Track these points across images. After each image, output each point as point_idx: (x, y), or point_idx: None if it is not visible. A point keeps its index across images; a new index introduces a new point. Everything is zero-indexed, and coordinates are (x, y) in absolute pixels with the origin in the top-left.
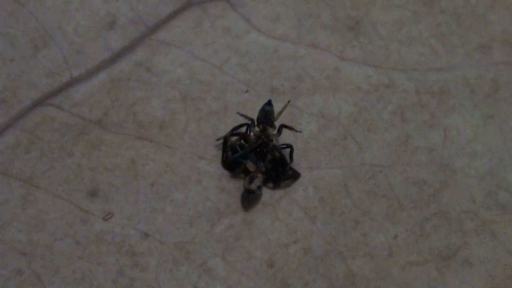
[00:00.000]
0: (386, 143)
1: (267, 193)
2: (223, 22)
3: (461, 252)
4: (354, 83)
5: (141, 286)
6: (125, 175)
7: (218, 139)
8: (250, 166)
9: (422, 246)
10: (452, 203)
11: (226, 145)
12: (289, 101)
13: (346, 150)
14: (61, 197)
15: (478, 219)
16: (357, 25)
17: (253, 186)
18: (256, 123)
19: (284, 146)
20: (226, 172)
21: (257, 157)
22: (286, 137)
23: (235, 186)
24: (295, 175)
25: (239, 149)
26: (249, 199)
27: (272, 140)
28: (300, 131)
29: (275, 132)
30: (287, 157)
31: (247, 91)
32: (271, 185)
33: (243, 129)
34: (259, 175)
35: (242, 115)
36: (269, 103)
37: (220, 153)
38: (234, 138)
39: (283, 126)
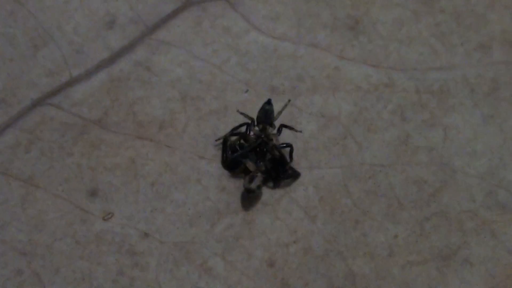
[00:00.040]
0: (386, 143)
1: (267, 193)
2: (222, 22)
3: (461, 251)
4: (354, 83)
5: (141, 286)
6: (125, 175)
7: (217, 139)
8: (250, 165)
9: (422, 246)
10: (452, 202)
11: (225, 145)
12: (289, 100)
13: (346, 149)
14: (61, 197)
15: (478, 218)
16: (357, 25)
17: (253, 185)
18: (256, 123)
19: (284, 145)
20: (226, 172)
21: (257, 156)
22: (286, 136)
23: (235, 186)
24: (295, 175)
25: (238, 149)
26: (249, 198)
27: (272, 140)
28: (301, 131)
29: (275, 131)
30: (287, 157)
31: (247, 91)
32: (271, 184)
33: (243, 129)
34: (259, 174)
35: (242, 113)
36: (268, 102)
37: (220, 152)
38: (233, 138)
39: (283, 126)
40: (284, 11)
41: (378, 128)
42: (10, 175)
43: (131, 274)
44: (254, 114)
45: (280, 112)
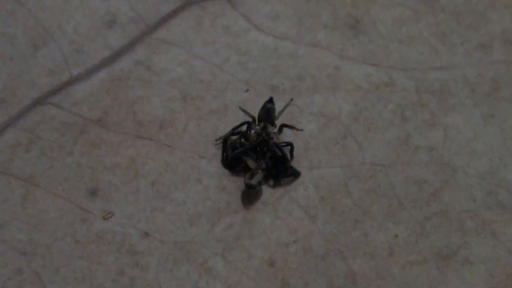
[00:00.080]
0: (386, 142)
1: (267, 192)
2: (223, 21)
3: (462, 251)
4: (354, 82)
5: (141, 286)
6: (125, 174)
7: (217, 139)
8: (251, 163)
9: (422, 246)
10: (452, 202)
11: (226, 144)
12: (291, 100)
13: (346, 149)
14: (61, 196)
15: (478, 218)
16: (357, 24)
17: (254, 181)
18: (257, 121)
19: (284, 144)
20: (226, 171)
21: (257, 154)
22: (286, 136)
23: (235, 185)
24: (295, 174)
25: (239, 147)
26: (249, 195)
27: (272, 138)
28: (302, 129)
29: (275, 130)
30: (288, 155)
31: (247, 90)
32: (271, 182)
33: (243, 128)
34: (260, 171)
35: (243, 110)
36: (270, 100)
37: (220, 152)
38: (234, 137)
39: (283, 125)
40: (285, 10)
41: (378, 128)
42: (10, 175)
43: (131, 274)
44: (254, 114)
45: (281, 111)
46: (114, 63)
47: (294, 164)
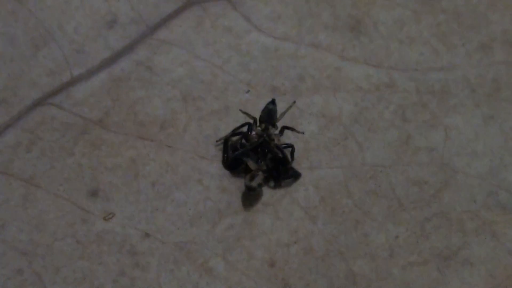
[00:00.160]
0: (387, 143)
1: (267, 193)
2: (223, 22)
3: (462, 252)
4: (354, 83)
5: (142, 286)
6: (125, 175)
7: (218, 141)
8: (251, 164)
9: (422, 246)
10: (452, 203)
11: (227, 145)
12: (294, 102)
13: (346, 150)
14: (61, 197)
15: (479, 219)
16: (358, 25)
17: (254, 183)
18: (258, 122)
19: (285, 145)
20: (227, 172)
21: (258, 156)
22: (287, 137)
23: (236, 186)
24: (296, 175)
25: (240, 148)
26: (250, 196)
27: (273, 140)
28: (303, 132)
29: (277, 132)
30: (289, 156)
31: (248, 91)
32: (272, 184)
33: (244, 129)
34: (260, 173)
35: (244, 112)
36: (273, 102)
37: (221, 153)
38: (235, 138)
39: (285, 127)
40: (285, 11)
41: (379, 129)
42: (11, 175)
43: (132, 274)
44: (255, 114)
45: (283, 113)
46: (115, 64)
47: (295, 165)
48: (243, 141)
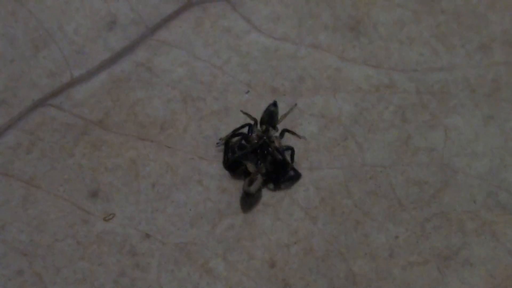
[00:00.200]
0: (387, 143)
1: (268, 194)
2: (223, 22)
3: (462, 252)
4: (354, 83)
5: (142, 287)
6: (126, 176)
7: (219, 141)
8: (250, 167)
9: (423, 247)
10: (452, 203)
11: (227, 146)
12: (295, 104)
13: (346, 150)
14: (62, 198)
15: (479, 219)
16: (358, 25)
17: (252, 188)
18: (259, 124)
19: (285, 148)
20: (227, 173)
21: (258, 158)
22: (287, 138)
23: (236, 187)
24: (296, 176)
25: (240, 149)
26: (248, 201)
27: (273, 142)
28: (304, 137)
29: (277, 134)
30: (288, 159)
31: (248, 92)
32: (271, 186)
33: (245, 130)
34: (259, 176)
35: (245, 113)
36: (274, 104)
37: (221, 154)
38: (235, 139)
39: (285, 130)
40: (285, 12)
41: (379, 129)
42: (11, 176)
43: (132, 275)
44: (255, 115)
45: (284, 116)
46: (115, 65)
47: (295, 165)
48: (243, 141)
